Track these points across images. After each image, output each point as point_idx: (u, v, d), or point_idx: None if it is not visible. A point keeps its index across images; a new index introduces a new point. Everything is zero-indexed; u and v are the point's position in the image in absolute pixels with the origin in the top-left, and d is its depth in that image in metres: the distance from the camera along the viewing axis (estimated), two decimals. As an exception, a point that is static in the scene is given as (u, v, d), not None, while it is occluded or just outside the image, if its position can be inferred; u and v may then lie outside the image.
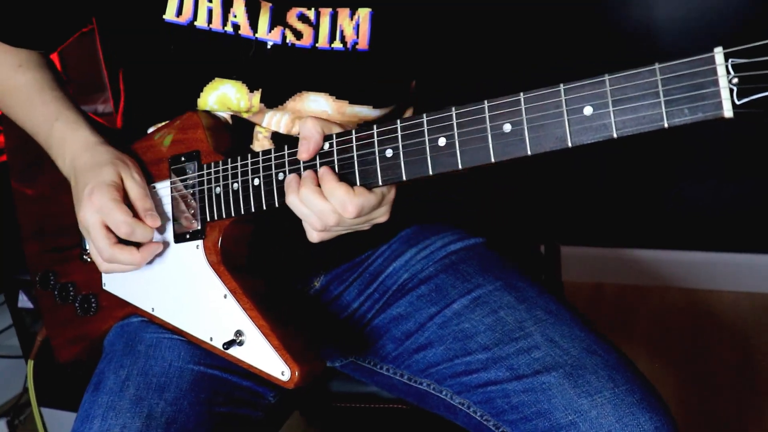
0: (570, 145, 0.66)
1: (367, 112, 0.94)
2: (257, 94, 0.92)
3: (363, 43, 0.90)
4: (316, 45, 0.89)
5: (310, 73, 0.91)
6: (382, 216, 0.81)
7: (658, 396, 0.85)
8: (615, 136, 0.64)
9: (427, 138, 0.73)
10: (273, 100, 0.92)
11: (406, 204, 0.95)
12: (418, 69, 0.95)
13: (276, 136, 0.94)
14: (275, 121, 0.93)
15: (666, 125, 0.62)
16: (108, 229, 0.88)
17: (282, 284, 0.97)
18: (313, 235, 0.81)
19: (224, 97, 0.92)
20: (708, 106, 0.60)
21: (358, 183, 0.77)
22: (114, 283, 0.99)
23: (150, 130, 0.97)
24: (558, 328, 0.89)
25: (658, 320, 2.02)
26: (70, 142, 0.94)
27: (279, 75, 0.91)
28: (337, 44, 0.89)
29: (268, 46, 0.90)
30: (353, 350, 1.03)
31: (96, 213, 0.88)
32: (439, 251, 1.01)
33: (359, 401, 1.07)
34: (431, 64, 0.95)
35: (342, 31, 0.89)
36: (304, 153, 0.80)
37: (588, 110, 0.65)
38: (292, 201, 0.80)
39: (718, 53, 0.59)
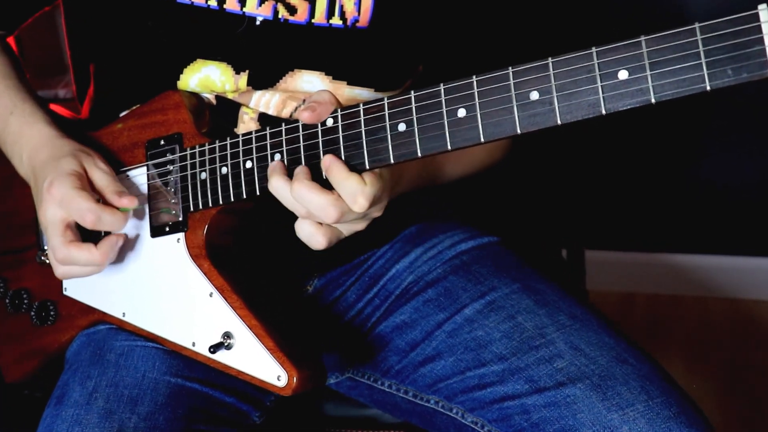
0: (604, 112, 0.70)
1: (367, 95, 0.96)
2: (244, 76, 0.94)
3: (364, 21, 0.93)
4: (312, 21, 0.92)
5: (304, 50, 0.94)
6: (379, 211, 0.83)
7: (697, 409, 0.87)
8: (653, 101, 0.68)
9: (445, 110, 0.76)
10: (261, 81, 0.95)
11: (409, 199, 0.98)
12: (425, 51, 0.98)
13: (263, 118, 0.96)
14: (264, 101, 0.96)
15: (708, 88, 0.66)
16: (67, 226, 0.89)
17: (274, 283, 0.98)
18: (310, 232, 0.81)
19: (207, 79, 0.94)
20: (753, 66, 0.64)
21: (366, 160, 0.80)
22: (77, 288, 0.99)
23: (123, 114, 0.99)
24: (584, 335, 0.90)
25: (697, 334, 2.01)
26: (27, 139, 0.95)
27: (268, 54, 0.93)
28: (336, 20, 0.92)
29: (258, 22, 0.92)
30: (350, 364, 1.04)
31: (58, 207, 0.88)
32: (448, 251, 1.03)
33: (357, 426, 1.08)
34: (439, 46, 0.98)
35: (342, 6, 0.92)
36: (305, 112, 0.79)
37: (623, 74, 0.69)
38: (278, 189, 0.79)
39: (763, 10, 0.64)
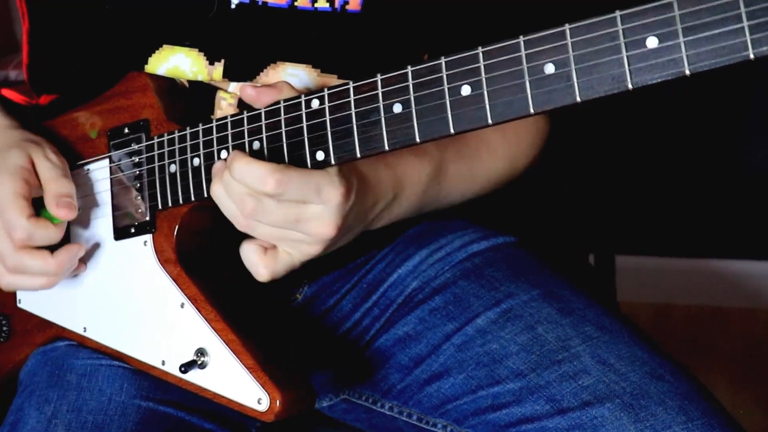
0: (630, 86, 0.68)
1: None
2: (219, 67, 0.94)
3: (355, 3, 0.92)
4: (295, 4, 0.92)
5: (286, 39, 0.93)
6: (318, 218, 0.80)
7: None
8: (687, 72, 0.66)
9: (446, 87, 0.75)
10: (240, 73, 0.94)
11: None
12: (428, 35, 0.97)
13: (244, 103, 0.95)
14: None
15: (752, 56, 0.64)
16: None
17: (256, 292, 0.98)
18: (252, 260, 0.83)
19: (176, 70, 0.94)
20: (805, 29, 0.63)
21: (357, 148, 0.79)
22: (32, 300, 0.99)
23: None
24: (613, 348, 0.89)
25: (744, 351, 2.01)
26: None
27: (246, 42, 0.93)
28: (322, 3, 0.91)
29: (233, 5, 0.92)
30: (346, 383, 1.03)
31: None
32: (458, 252, 1.02)
33: (353, 455, 1.07)
34: (444, 29, 0.97)
35: None
36: (249, 88, 0.82)
37: (652, 42, 0.67)
38: (216, 191, 0.81)
39: (816, -38, 0.62)
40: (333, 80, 0.94)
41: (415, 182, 0.93)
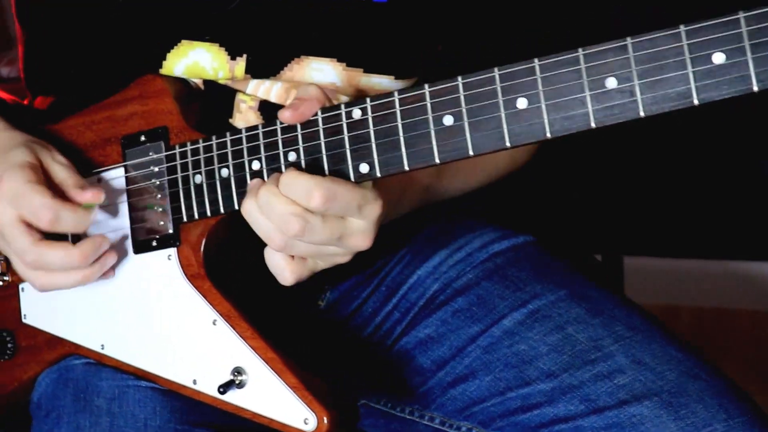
0: (696, 102, 0.69)
1: (387, 83, 0.94)
2: (241, 62, 0.91)
3: None
4: None
5: (311, 31, 0.91)
6: (360, 233, 0.80)
7: None
8: (755, 88, 0.67)
9: (501, 99, 0.74)
10: (262, 68, 0.91)
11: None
12: (447, 26, 0.96)
13: (265, 107, 0.93)
14: (264, 89, 0.93)
15: (821, 73, 0.66)
16: (29, 225, 0.85)
17: (281, 303, 0.96)
18: (279, 265, 0.80)
19: (196, 66, 0.91)
20: None
21: (405, 161, 0.77)
22: (39, 315, 0.95)
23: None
24: (646, 347, 0.91)
25: (752, 353, 2.03)
26: None
27: (270, 36, 0.91)
28: None
29: None
30: (368, 388, 1.02)
31: (9, 205, 0.85)
32: (479, 252, 1.02)
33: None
34: (463, 20, 0.96)
35: None
36: (286, 111, 0.79)
37: (719, 58, 0.68)
38: (249, 208, 0.79)
39: None
40: (359, 74, 0.92)
41: (417, 180, 0.94)
